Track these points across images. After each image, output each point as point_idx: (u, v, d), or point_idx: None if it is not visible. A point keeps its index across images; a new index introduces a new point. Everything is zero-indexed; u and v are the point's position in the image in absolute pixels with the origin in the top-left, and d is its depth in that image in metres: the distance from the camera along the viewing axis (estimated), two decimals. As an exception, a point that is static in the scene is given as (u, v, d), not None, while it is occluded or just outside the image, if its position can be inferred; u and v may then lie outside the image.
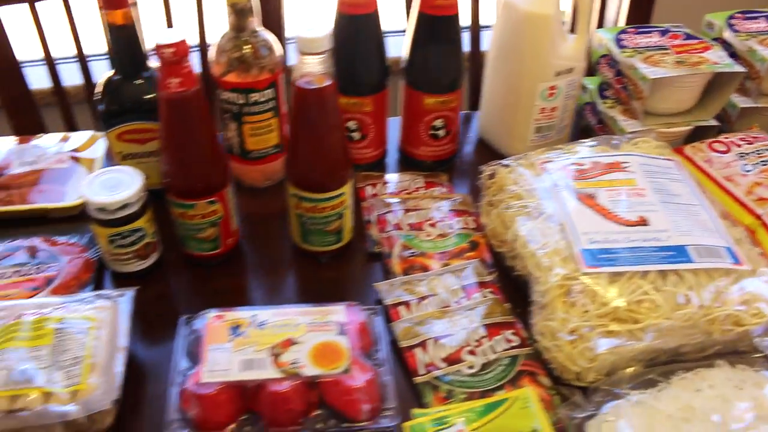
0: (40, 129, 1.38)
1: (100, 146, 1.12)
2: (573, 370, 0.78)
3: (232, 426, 0.73)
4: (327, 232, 0.92)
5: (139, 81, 0.96)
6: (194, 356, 0.77)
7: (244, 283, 0.96)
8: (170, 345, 0.83)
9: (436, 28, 0.99)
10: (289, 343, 0.75)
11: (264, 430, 0.73)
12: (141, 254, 0.91)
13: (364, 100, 1.02)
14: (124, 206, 0.86)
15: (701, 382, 0.75)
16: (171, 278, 0.96)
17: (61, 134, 1.15)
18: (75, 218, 1.02)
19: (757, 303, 0.78)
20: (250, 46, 0.95)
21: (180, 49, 0.77)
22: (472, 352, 0.81)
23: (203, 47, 1.42)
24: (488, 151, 1.17)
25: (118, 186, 0.87)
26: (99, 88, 0.97)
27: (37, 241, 0.95)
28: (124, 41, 0.93)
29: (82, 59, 1.37)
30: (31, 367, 0.73)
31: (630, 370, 0.78)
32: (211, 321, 0.78)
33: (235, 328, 0.77)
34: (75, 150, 1.10)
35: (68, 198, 1.02)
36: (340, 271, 0.97)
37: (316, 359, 0.74)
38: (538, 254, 0.84)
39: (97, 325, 0.78)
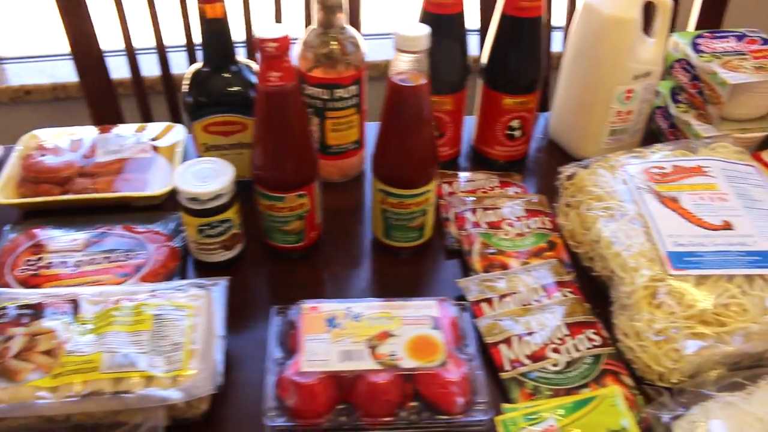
0: (118, 118, 1.40)
1: (174, 136, 1.14)
2: (657, 370, 0.79)
3: (328, 415, 0.74)
4: (410, 228, 0.94)
5: (228, 74, 0.98)
6: (287, 346, 0.79)
7: (324, 275, 0.97)
8: (253, 334, 0.86)
9: (519, 30, 1.00)
10: (386, 335, 0.77)
11: (359, 421, 0.74)
12: (227, 245, 0.93)
13: (445, 98, 1.03)
14: (216, 197, 0.88)
15: (790, 386, 0.76)
16: (252, 269, 0.97)
17: (137, 124, 1.17)
18: (156, 207, 1.04)
19: None
20: (337, 42, 0.97)
21: (283, 44, 0.79)
22: (555, 350, 0.82)
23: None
24: (558, 152, 1.18)
25: (210, 177, 0.89)
26: (187, 80, 0.99)
27: (121, 229, 0.97)
28: (216, 34, 0.95)
29: (161, 50, 1.39)
30: (133, 352, 0.75)
31: (715, 372, 0.79)
32: (306, 312, 0.80)
33: (331, 320, 0.78)
34: (153, 140, 1.12)
35: (151, 187, 1.04)
36: (418, 266, 0.98)
37: (412, 352, 0.75)
38: (623, 255, 0.85)
39: (194, 313, 0.80)
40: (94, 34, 1.31)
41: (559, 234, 0.99)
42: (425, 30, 0.81)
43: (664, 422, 0.74)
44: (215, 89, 0.98)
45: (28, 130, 1.14)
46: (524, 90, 1.04)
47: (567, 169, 1.00)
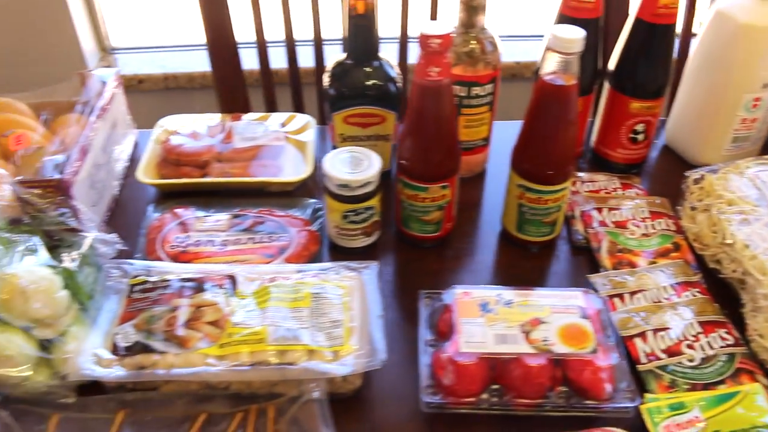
0: (245, 108, 1.46)
1: (298, 125, 1.18)
2: (793, 371, 0.81)
3: (481, 395, 0.78)
4: (544, 224, 0.97)
5: (370, 68, 1.02)
6: (437, 328, 0.83)
7: (453, 265, 1.00)
8: (389, 316, 0.89)
9: (653, 36, 1.03)
10: (537, 322, 0.80)
11: (509, 403, 0.77)
12: (368, 231, 0.97)
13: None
14: (366, 184, 0.92)
15: None
16: (384, 256, 1.01)
17: (261, 113, 1.22)
18: (288, 193, 1.08)
19: None
20: (477, 42, 1.00)
21: (445, 41, 0.83)
22: (690, 347, 0.85)
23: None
24: (673, 157, 1.21)
25: (358, 165, 0.93)
26: (328, 72, 1.03)
27: (258, 213, 1.01)
28: (363, 29, 0.99)
29: (290, 43, 1.44)
30: (296, 326, 0.79)
31: None
32: (460, 296, 0.83)
33: (485, 305, 0.82)
34: (282, 128, 1.17)
35: (284, 173, 1.08)
36: (545, 260, 1.01)
37: (564, 338, 0.79)
38: (760, 258, 0.87)
39: (348, 293, 0.84)
40: (231, 26, 1.36)
41: (683, 236, 1.01)
42: (581, 33, 0.84)
43: (807, 421, 0.76)
44: (358, 82, 1.02)
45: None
46: (652, 95, 1.06)
47: (694, 174, 1.02)
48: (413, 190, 0.94)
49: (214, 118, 1.19)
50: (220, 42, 1.37)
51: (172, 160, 1.08)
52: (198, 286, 0.85)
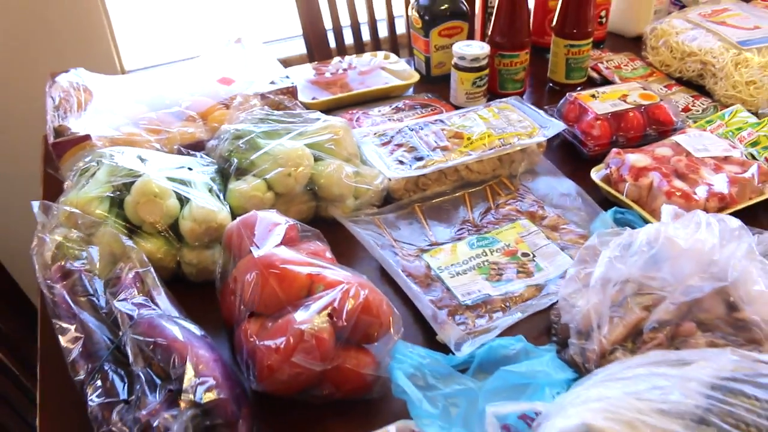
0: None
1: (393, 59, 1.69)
2: None
3: (612, 140, 1.33)
4: (583, 68, 1.55)
5: (444, -4, 1.56)
6: (567, 116, 1.37)
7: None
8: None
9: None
10: (624, 96, 1.37)
11: (628, 137, 1.33)
12: (485, 93, 1.50)
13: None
14: (486, 57, 1.45)
15: None
16: (486, 115, 1.54)
17: (371, 52, 1.72)
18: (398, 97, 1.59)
19: None
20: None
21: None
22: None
23: None
24: (617, 37, 1.84)
25: (474, 50, 1.46)
26: (415, 7, 1.56)
27: (403, 103, 1.51)
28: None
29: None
30: (503, 126, 1.31)
31: None
32: (578, 94, 1.38)
33: (593, 95, 1.38)
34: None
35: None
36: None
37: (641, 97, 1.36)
38: (707, 47, 1.50)
39: (510, 109, 1.37)
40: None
41: (653, 67, 1.63)
42: None
43: None
44: (442, 5, 1.55)
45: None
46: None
47: (649, 26, 1.65)
48: (509, 59, 1.48)
49: (327, 62, 1.67)
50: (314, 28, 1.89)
51: (321, 86, 1.55)
52: (426, 125, 1.33)
